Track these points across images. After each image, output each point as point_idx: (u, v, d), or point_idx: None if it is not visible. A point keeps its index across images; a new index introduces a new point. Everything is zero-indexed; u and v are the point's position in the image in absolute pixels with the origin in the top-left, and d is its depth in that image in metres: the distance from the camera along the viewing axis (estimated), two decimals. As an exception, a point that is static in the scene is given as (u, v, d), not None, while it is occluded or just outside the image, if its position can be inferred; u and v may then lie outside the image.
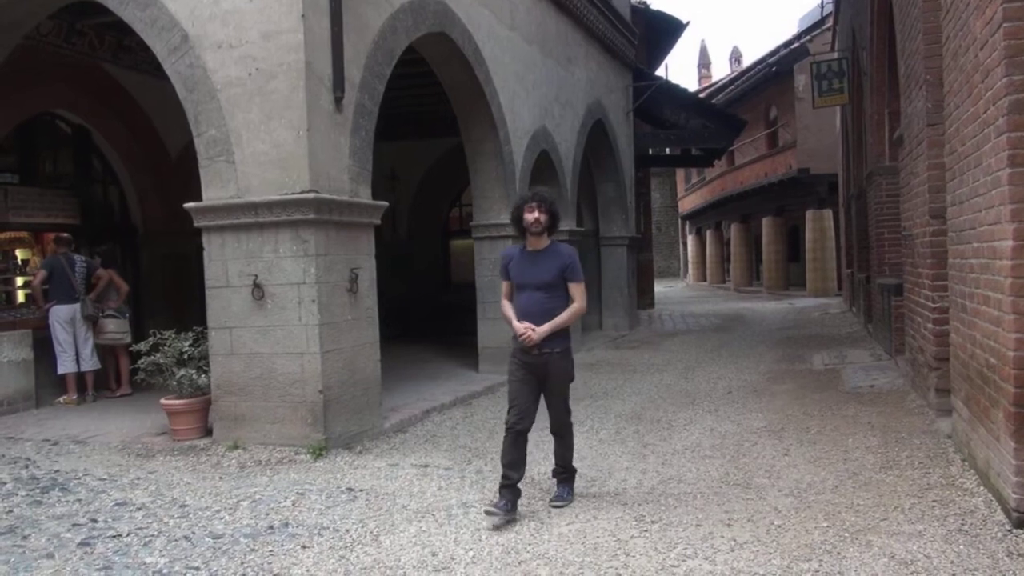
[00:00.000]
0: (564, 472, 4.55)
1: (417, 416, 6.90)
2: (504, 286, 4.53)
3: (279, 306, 5.82)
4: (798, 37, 22.05)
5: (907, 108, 6.85)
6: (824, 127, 19.80)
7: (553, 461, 4.60)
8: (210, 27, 5.87)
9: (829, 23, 18.65)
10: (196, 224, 6.03)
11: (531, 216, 4.31)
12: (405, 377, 8.87)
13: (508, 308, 4.47)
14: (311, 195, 5.64)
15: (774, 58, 22.22)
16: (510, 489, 4.19)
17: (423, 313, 14.04)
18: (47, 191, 9.33)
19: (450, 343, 11.81)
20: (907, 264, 7.42)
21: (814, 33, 20.53)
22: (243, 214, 5.84)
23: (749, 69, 25.66)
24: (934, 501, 4.16)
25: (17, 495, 4.90)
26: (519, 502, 4.25)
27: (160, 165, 10.35)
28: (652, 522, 4.07)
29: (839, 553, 3.54)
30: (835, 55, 14.92)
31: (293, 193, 5.69)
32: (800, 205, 22.55)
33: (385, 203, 6.64)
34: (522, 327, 4.28)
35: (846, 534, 3.76)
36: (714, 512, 4.18)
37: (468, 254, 10.58)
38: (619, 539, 3.84)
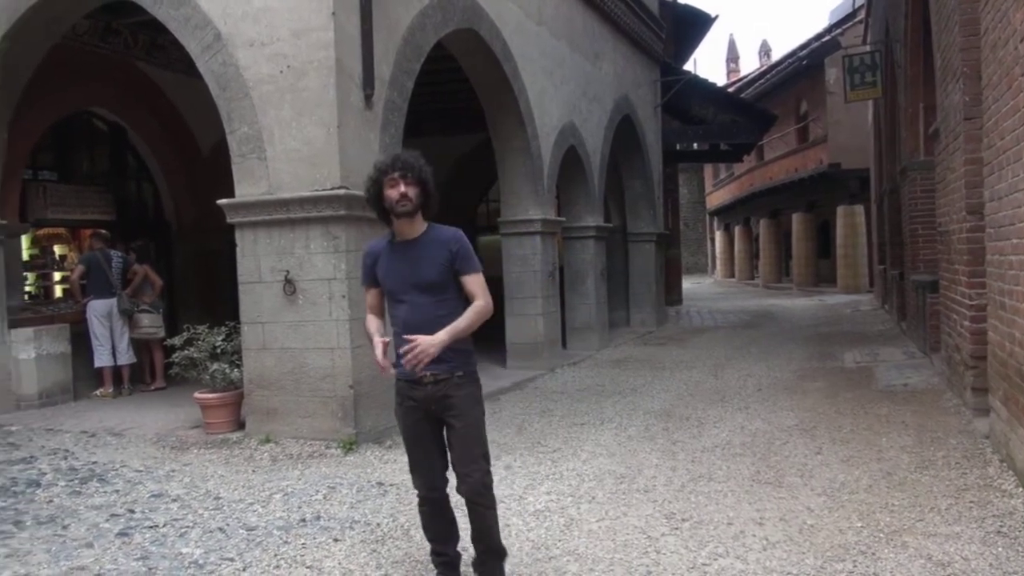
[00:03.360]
0: (486, 560, 3.22)
1: (445, 411, 6.92)
2: (368, 296, 3.22)
3: (310, 301, 5.87)
4: (829, 30, 21.73)
5: (943, 102, 6.73)
6: (856, 122, 19.50)
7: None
8: (242, 25, 5.94)
9: (861, 15, 18.35)
10: (229, 220, 6.11)
11: (395, 192, 3.00)
12: (433, 372, 8.90)
13: (373, 324, 3.19)
14: (341, 191, 5.69)
15: (804, 51, 21.93)
16: (448, 566, 3.28)
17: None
18: (84, 188, 9.50)
19: (477, 339, 11.82)
20: (943, 261, 7.29)
21: (846, 26, 20.22)
22: (275, 210, 5.90)
23: (779, 63, 25.34)
24: (971, 502, 4.10)
25: (57, 485, 5.01)
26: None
27: (193, 162, 10.49)
28: (683, 520, 4.05)
29: (874, 554, 3.50)
30: (868, 48, 14.68)
31: (324, 189, 5.75)
32: (831, 201, 22.26)
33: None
34: (381, 344, 3.04)
35: (881, 535, 3.72)
36: (745, 511, 4.15)
37: (495, 250, 10.58)
38: (649, 536, 3.83)
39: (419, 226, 3.10)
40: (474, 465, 3.08)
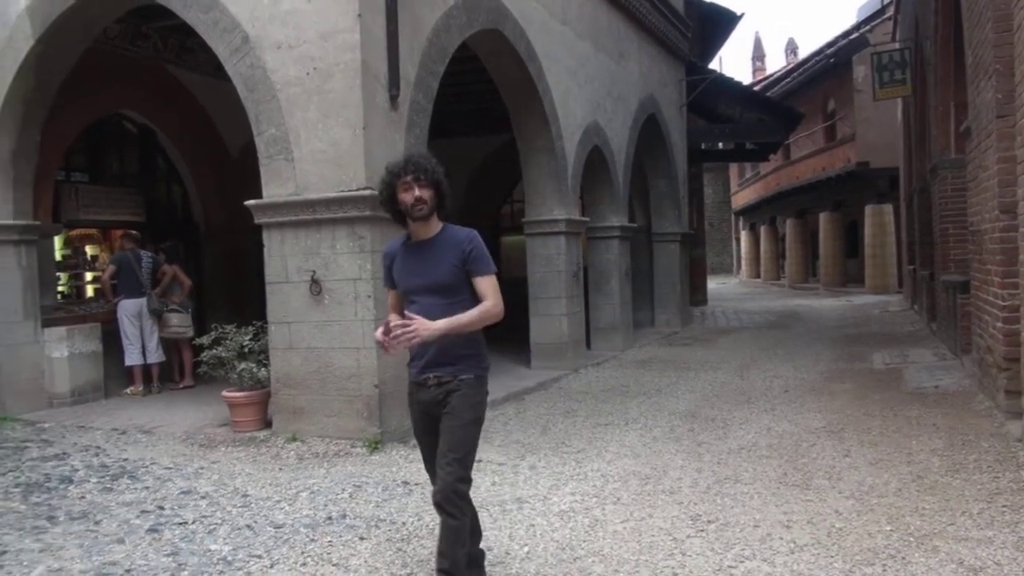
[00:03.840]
0: None
1: (470, 411, 6.93)
2: (389, 297, 3.26)
3: (336, 301, 5.92)
4: (857, 27, 21.47)
5: (975, 99, 6.62)
6: (885, 120, 19.25)
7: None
8: (270, 28, 6.00)
9: (890, 12, 18.11)
10: (256, 221, 6.17)
11: (409, 196, 2.97)
12: (457, 372, 8.91)
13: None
14: (367, 192, 5.72)
15: (832, 49, 21.67)
16: (471, 564, 3.17)
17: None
18: (114, 189, 9.66)
19: (501, 339, 11.80)
20: (974, 261, 7.17)
21: (874, 23, 19.95)
22: (301, 211, 5.96)
23: (806, 61, 25.08)
24: (1004, 506, 4.02)
25: (89, 482, 5.10)
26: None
27: (221, 164, 10.62)
28: (708, 522, 4.02)
29: (904, 558, 3.45)
30: (897, 45, 14.49)
31: (349, 190, 5.79)
32: (859, 200, 21.98)
33: (439, 200, 6.67)
34: (396, 319, 3.00)
35: (911, 539, 3.67)
36: (772, 513, 4.11)
37: (519, 250, 10.59)
38: (675, 538, 3.81)
39: (434, 227, 3.06)
40: (449, 468, 2.93)
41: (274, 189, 6.09)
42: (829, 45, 22.35)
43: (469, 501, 3.01)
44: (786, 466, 5.00)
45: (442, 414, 3.02)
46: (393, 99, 6.06)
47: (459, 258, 3.00)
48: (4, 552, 3.87)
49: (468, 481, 2.98)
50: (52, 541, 4.02)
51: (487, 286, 3.02)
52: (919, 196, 13.00)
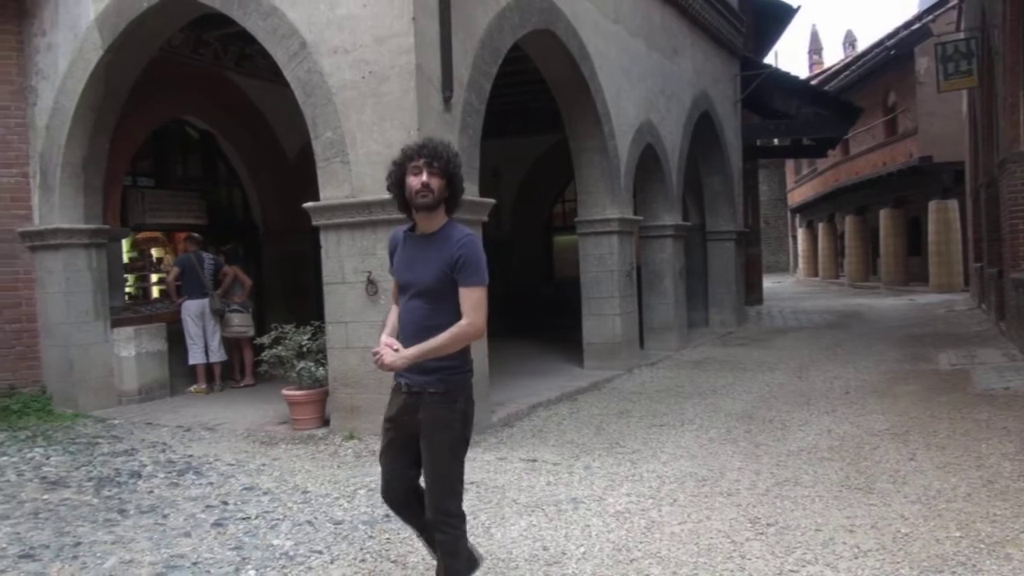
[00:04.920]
0: None
1: (523, 411, 6.96)
2: (393, 284, 3.07)
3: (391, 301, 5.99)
4: (919, 17, 20.82)
5: (1048, 89, 6.36)
6: (949, 113, 18.62)
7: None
8: (327, 33, 6.11)
9: (954, 1, 17.51)
10: (314, 223, 6.29)
11: (417, 180, 2.77)
12: (510, 372, 8.93)
13: (392, 316, 3.05)
14: (422, 193, 5.77)
15: (892, 41, 21.04)
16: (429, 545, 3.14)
17: (526, 309, 14.14)
18: (178, 193, 9.95)
19: (554, 339, 11.84)
20: (1047, 258, 6.89)
21: (937, 13, 19.32)
22: (357, 213, 6.05)
23: (865, 53, 24.39)
24: (1082, 514, 3.86)
25: (156, 477, 5.28)
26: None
27: (279, 167, 10.85)
28: (768, 525, 3.95)
29: (974, 565, 3.34)
30: (962, 35, 14.02)
31: (404, 192, 5.84)
32: (921, 195, 21.30)
33: (493, 200, 6.72)
34: (383, 343, 2.85)
35: (982, 545, 3.55)
36: (834, 517, 4.02)
37: (571, 250, 10.56)
38: (734, 541, 3.76)
39: (436, 222, 2.84)
40: (431, 490, 2.86)
41: (331, 191, 6.20)
42: (889, 36, 21.72)
43: (462, 520, 2.91)
44: (848, 469, 4.88)
45: (416, 428, 2.86)
46: (447, 101, 6.11)
47: (448, 264, 2.76)
48: (79, 544, 4.04)
49: (456, 495, 2.88)
50: (123, 533, 4.18)
51: (468, 299, 2.75)
52: (986, 191, 12.55)
